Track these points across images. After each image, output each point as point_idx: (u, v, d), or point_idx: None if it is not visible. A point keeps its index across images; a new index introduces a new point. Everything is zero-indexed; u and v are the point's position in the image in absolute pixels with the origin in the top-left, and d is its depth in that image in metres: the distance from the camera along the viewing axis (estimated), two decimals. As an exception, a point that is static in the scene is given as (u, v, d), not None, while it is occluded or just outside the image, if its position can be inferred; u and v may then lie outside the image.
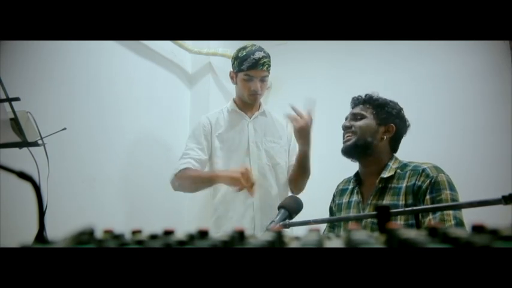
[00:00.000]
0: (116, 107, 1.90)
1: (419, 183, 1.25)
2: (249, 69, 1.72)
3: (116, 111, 1.90)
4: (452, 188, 1.23)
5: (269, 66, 1.76)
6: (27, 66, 1.49)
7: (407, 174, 1.29)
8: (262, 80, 1.76)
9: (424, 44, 2.46)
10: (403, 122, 1.42)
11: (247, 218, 1.72)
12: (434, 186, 1.22)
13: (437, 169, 1.27)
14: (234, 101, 1.87)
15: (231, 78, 1.83)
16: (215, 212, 1.79)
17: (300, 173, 1.77)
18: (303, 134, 1.66)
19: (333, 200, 1.54)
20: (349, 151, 1.40)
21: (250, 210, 1.73)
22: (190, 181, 1.71)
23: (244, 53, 1.73)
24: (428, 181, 1.23)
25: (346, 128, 1.42)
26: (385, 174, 1.32)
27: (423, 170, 1.27)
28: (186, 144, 1.81)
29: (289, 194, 1.82)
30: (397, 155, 1.44)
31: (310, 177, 1.81)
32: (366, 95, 1.45)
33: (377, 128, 1.38)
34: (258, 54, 1.72)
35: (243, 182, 1.53)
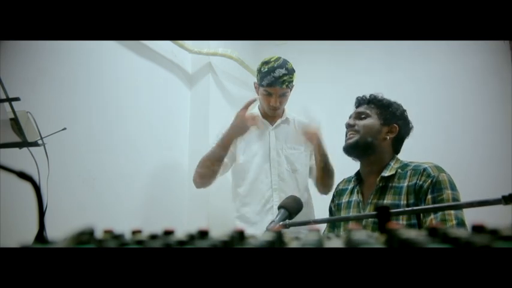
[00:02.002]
0: (115, 107, 1.90)
1: (421, 182, 1.25)
2: (268, 86, 1.75)
3: (116, 111, 1.90)
4: (453, 187, 1.23)
5: (290, 82, 1.78)
6: (27, 66, 1.49)
7: (409, 173, 1.29)
8: (282, 95, 1.79)
9: (424, 44, 2.46)
10: (406, 124, 1.42)
11: (267, 222, 1.74)
12: (436, 186, 1.22)
13: (439, 169, 1.27)
14: (259, 108, 1.92)
15: (255, 88, 1.88)
16: (235, 212, 1.85)
17: (324, 173, 1.79)
18: (315, 141, 1.72)
19: (333, 200, 1.54)
20: (351, 150, 1.40)
21: (270, 214, 1.77)
22: (206, 160, 1.76)
23: (266, 69, 1.74)
24: (429, 180, 1.23)
25: (349, 126, 1.42)
26: (386, 173, 1.32)
27: (424, 170, 1.27)
28: (212, 142, 1.86)
29: (311, 199, 1.87)
30: (398, 154, 1.44)
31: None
32: (370, 95, 1.45)
33: (380, 128, 1.38)
34: (278, 72, 1.72)
35: (249, 122, 1.64)
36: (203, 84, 2.47)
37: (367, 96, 1.45)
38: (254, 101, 1.73)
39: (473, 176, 2.18)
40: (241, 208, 1.82)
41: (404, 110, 1.44)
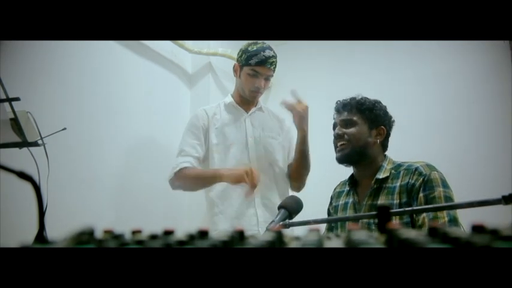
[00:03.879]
0: (116, 107, 1.90)
1: (413, 181, 1.26)
2: (256, 64, 1.70)
3: (116, 111, 1.90)
4: (445, 185, 1.24)
5: (275, 67, 1.76)
6: (27, 66, 1.49)
7: (401, 173, 1.31)
8: (267, 78, 1.76)
9: (424, 44, 2.46)
10: (390, 121, 1.43)
11: (248, 215, 1.71)
12: (427, 184, 1.23)
13: (430, 167, 1.28)
14: (232, 96, 1.86)
15: (235, 71, 1.80)
16: (213, 209, 1.76)
17: (301, 167, 1.77)
18: (302, 119, 1.69)
19: (330, 203, 1.55)
20: (346, 160, 1.40)
21: (252, 207, 1.72)
22: (191, 181, 1.70)
23: (255, 48, 1.70)
24: (421, 179, 1.25)
25: (338, 137, 1.40)
26: (380, 175, 1.33)
27: (416, 169, 1.28)
28: (182, 138, 1.77)
29: (289, 190, 1.82)
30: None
31: (310, 175, 1.81)
32: (351, 99, 1.43)
33: (369, 133, 1.38)
34: (268, 53, 1.70)
35: (247, 180, 1.54)
36: (203, 84, 2.47)
37: (348, 101, 1.43)
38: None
39: (473, 176, 2.18)
40: (220, 203, 1.74)
41: (385, 108, 1.43)
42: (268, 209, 1.71)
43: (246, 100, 1.82)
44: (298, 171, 1.79)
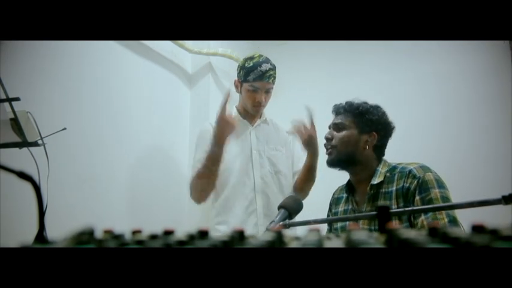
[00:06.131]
0: (116, 107, 1.90)
1: (407, 185, 1.24)
2: (254, 80, 1.72)
3: (116, 111, 1.90)
4: (440, 185, 1.22)
5: (274, 78, 1.77)
6: (27, 66, 1.49)
7: (396, 177, 1.29)
8: (267, 91, 1.78)
9: (424, 44, 2.46)
10: (386, 127, 1.39)
11: (250, 224, 1.73)
12: (422, 186, 1.21)
13: (424, 168, 1.26)
14: (237, 109, 1.88)
15: (236, 86, 1.83)
16: (216, 217, 1.79)
17: (307, 180, 1.79)
18: (310, 144, 1.68)
19: (330, 209, 1.54)
20: (333, 164, 1.39)
21: (253, 216, 1.74)
22: (202, 174, 1.69)
23: (251, 64, 1.73)
24: (415, 182, 1.23)
25: (327, 140, 1.41)
26: (375, 181, 1.31)
27: (410, 171, 1.26)
28: (194, 156, 1.82)
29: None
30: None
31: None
32: (346, 103, 1.41)
33: (358, 138, 1.36)
34: (264, 67, 1.72)
35: (226, 120, 1.58)
36: (203, 84, 2.47)
37: (344, 104, 1.42)
38: (228, 97, 1.63)
39: (473, 176, 2.18)
40: (223, 213, 1.76)
41: (383, 113, 1.40)
42: (270, 219, 1.73)
43: (250, 113, 1.85)
44: (304, 184, 1.80)
